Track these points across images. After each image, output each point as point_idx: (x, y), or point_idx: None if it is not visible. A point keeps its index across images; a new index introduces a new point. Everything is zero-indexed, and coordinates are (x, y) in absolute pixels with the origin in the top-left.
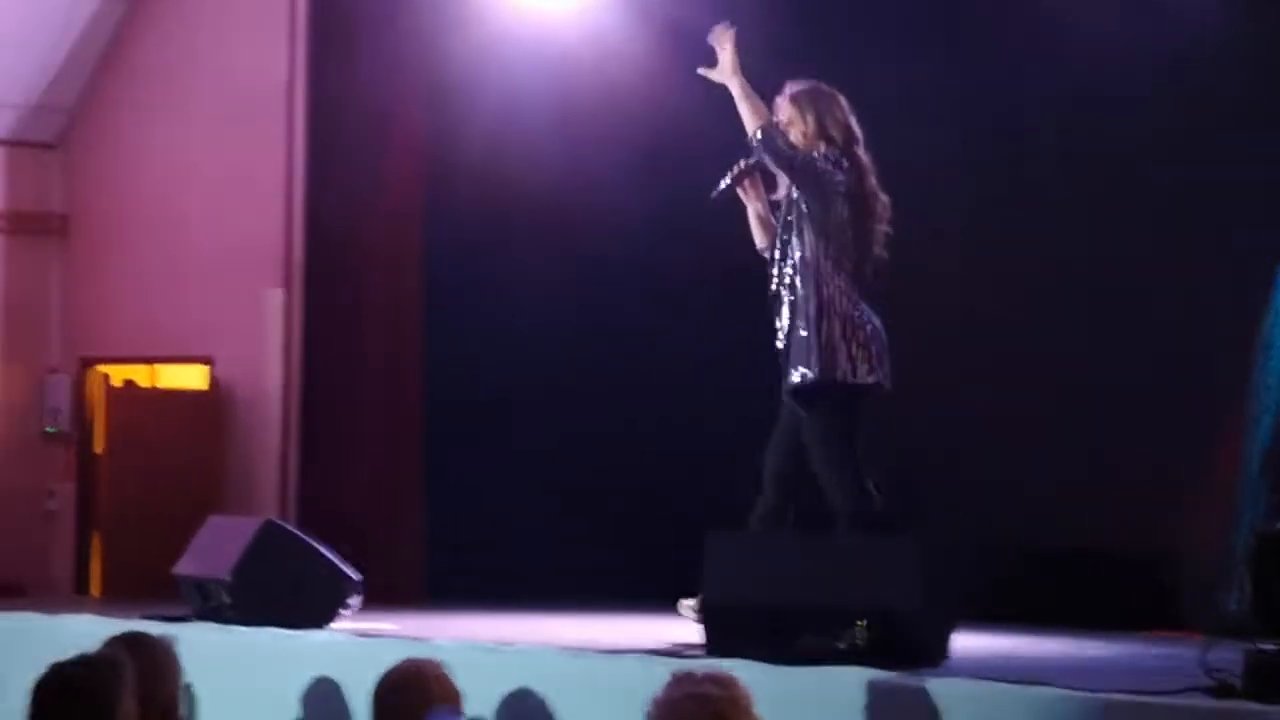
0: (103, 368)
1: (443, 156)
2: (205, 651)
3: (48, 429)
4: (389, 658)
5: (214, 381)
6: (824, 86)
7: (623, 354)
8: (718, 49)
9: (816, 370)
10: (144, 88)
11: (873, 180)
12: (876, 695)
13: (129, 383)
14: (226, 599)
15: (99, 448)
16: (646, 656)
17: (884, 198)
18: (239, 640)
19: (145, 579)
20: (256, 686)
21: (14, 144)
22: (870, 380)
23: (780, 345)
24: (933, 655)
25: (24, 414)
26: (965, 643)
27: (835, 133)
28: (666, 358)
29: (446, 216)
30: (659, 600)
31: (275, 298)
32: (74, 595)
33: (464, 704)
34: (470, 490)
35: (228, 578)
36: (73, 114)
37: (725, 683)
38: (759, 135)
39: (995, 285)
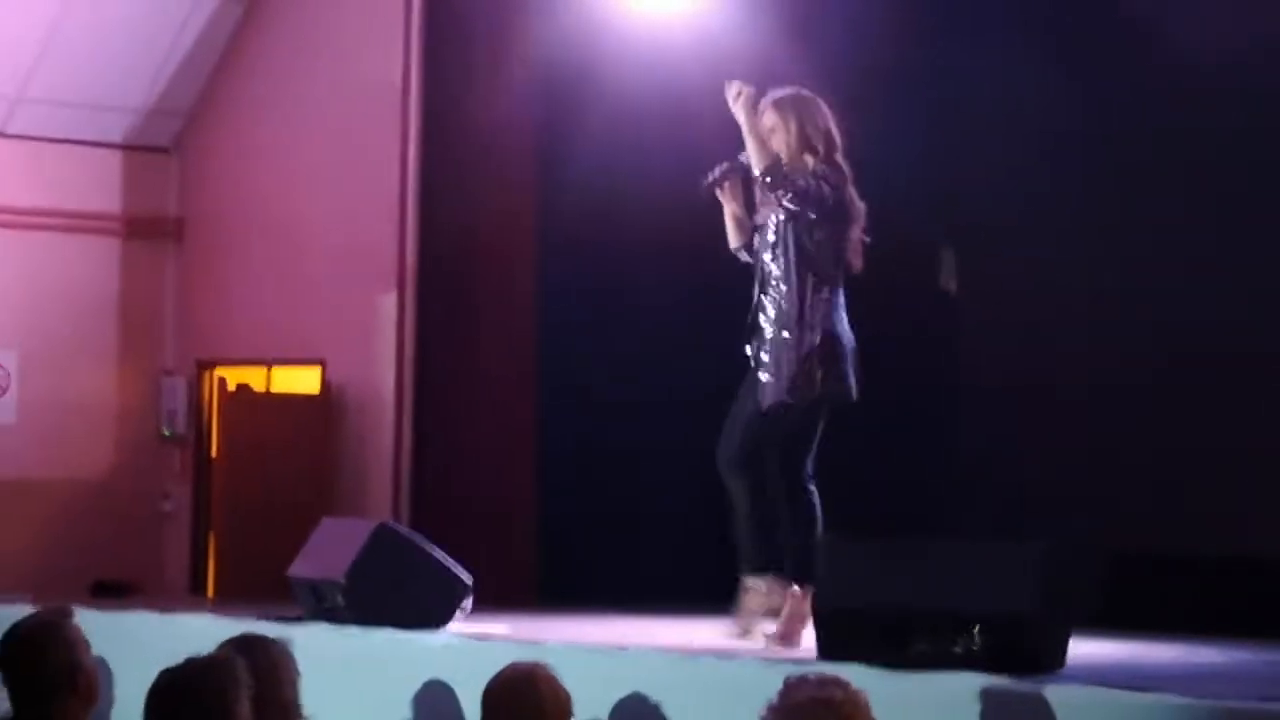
0: (218, 371)
1: (555, 158)
2: (319, 653)
3: (163, 431)
4: (501, 660)
5: (327, 384)
6: (806, 92)
7: (738, 353)
8: (732, 105)
9: (799, 383)
10: (259, 91)
11: (851, 189)
12: (992, 701)
13: (243, 386)
14: (340, 600)
15: (214, 450)
16: (759, 660)
17: (860, 205)
18: (352, 642)
19: (259, 580)
20: (369, 688)
21: (130, 148)
22: (838, 391)
23: (758, 351)
24: (1050, 661)
25: (140, 417)
26: (1082, 649)
27: (816, 140)
28: None
29: (559, 217)
30: None
31: (388, 300)
32: (189, 596)
33: (574, 706)
34: (583, 492)
35: (341, 579)
36: (188, 118)
37: (844, 687)
38: (767, 177)
39: (1126, 288)
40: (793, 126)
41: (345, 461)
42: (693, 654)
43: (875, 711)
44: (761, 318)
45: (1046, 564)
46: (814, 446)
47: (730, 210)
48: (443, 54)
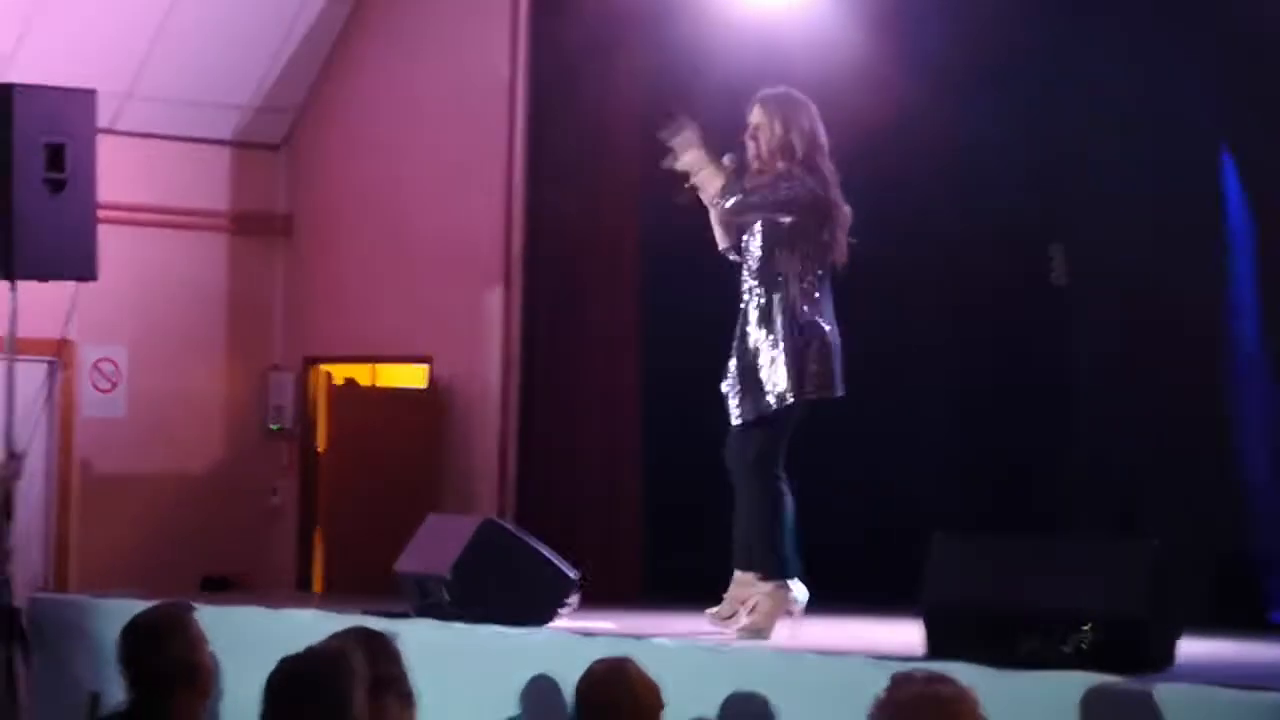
0: (325, 366)
1: (659, 151)
2: (425, 648)
3: (271, 426)
4: (608, 656)
5: (433, 380)
6: (796, 94)
7: (841, 347)
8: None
9: (790, 386)
10: (366, 88)
11: (837, 191)
12: (1101, 700)
13: (350, 381)
14: (446, 596)
15: (321, 445)
16: (864, 658)
17: (846, 208)
18: (458, 637)
19: (365, 576)
20: (475, 683)
21: (239, 145)
22: (826, 395)
23: (741, 358)
24: (1159, 660)
25: (248, 411)
26: (1192, 648)
27: (798, 141)
28: (880, 350)
29: (664, 210)
30: (879, 602)
31: (494, 297)
32: (296, 591)
33: (679, 703)
34: (689, 487)
35: (447, 575)
36: (296, 115)
37: (952, 683)
38: (727, 203)
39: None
40: (777, 128)
41: (451, 457)
42: (796, 651)
43: (983, 709)
44: (753, 317)
45: (1156, 563)
46: (786, 444)
47: (714, 213)
48: (549, 49)
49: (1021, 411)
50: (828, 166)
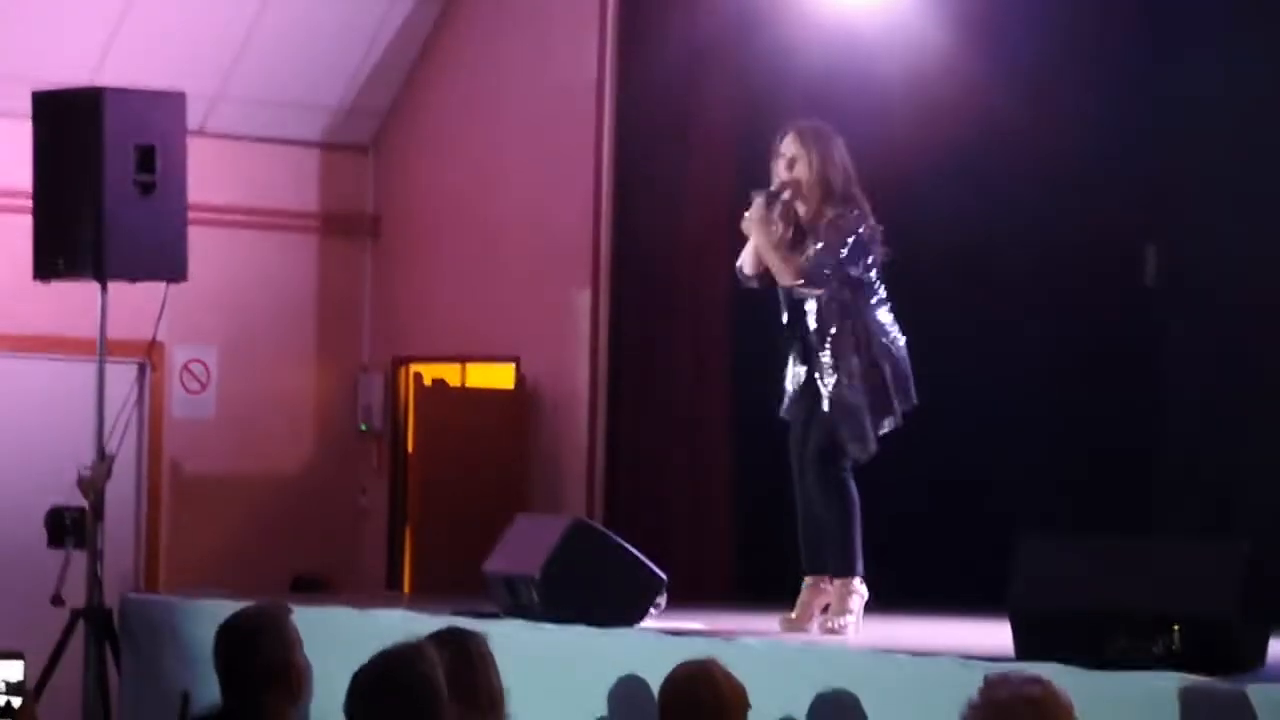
0: (414, 367)
1: (748, 153)
2: (515, 649)
3: (360, 427)
4: (697, 656)
5: (521, 380)
6: (827, 127)
7: (934, 342)
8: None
9: (894, 414)
10: (455, 90)
11: (868, 211)
12: (1193, 701)
13: (439, 382)
14: (535, 597)
15: (410, 446)
16: (956, 659)
17: (877, 227)
18: (548, 638)
19: (454, 576)
20: (565, 684)
21: (328, 147)
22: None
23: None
24: (1251, 660)
25: (338, 412)
26: None
27: (834, 175)
28: (970, 350)
29: None
30: (966, 603)
31: (583, 297)
32: (386, 591)
33: (769, 703)
34: (779, 487)
35: (537, 575)
36: (385, 117)
37: (1046, 685)
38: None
39: None
40: (815, 158)
41: (539, 457)
42: (887, 652)
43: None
44: (812, 338)
45: (1247, 563)
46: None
47: (756, 243)
48: (638, 51)
49: (1112, 412)
50: (861, 195)
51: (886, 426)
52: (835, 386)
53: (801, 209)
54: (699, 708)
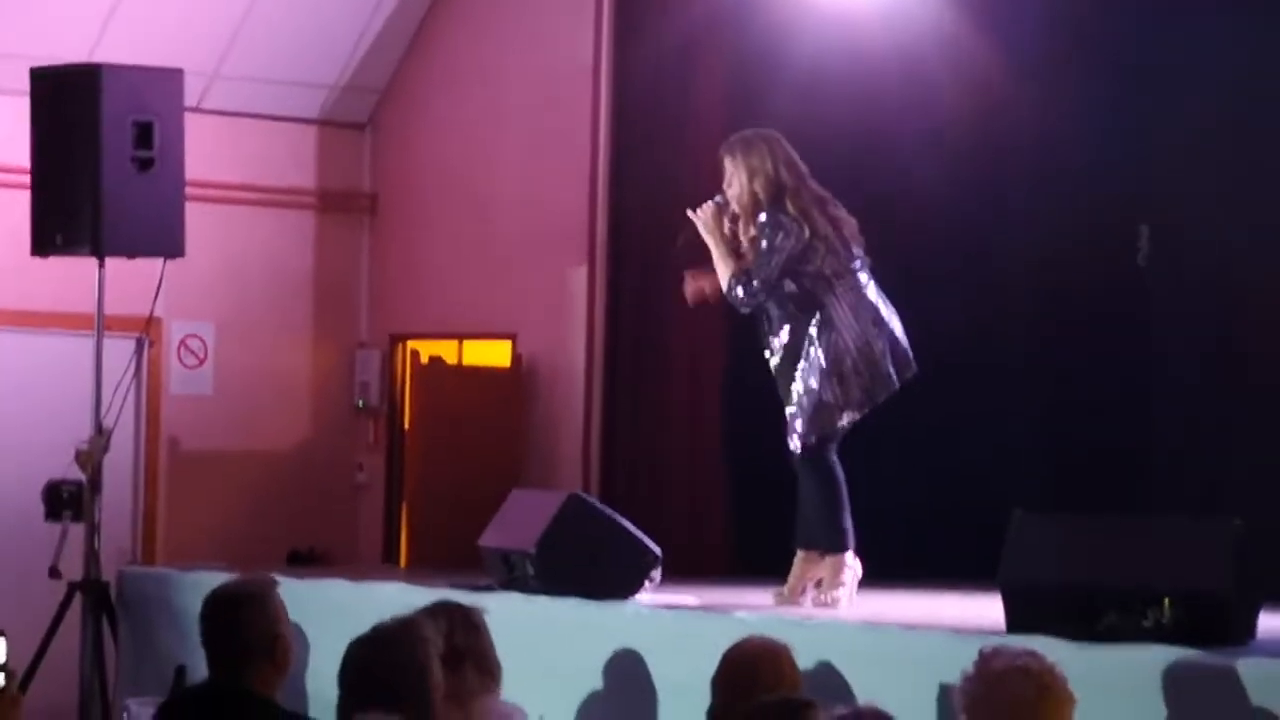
0: (411, 344)
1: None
2: (509, 622)
3: (357, 403)
4: (691, 630)
5: (518, 357)
6: (760, 132)
7: (930, 318)
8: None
9: (835, 414)
10: (452, 68)
11: (832, 208)
12: (1182, 674)
13: (436, 358)
14: (530, 570)
15: (406, 422)
16: (946, 632)
17: (850, 218)
18: (543, 611)
19: (450, 551)
20: (559, 657)
21: (325, 124)
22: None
23: (802, 391)
24: (1240, 634)
25: (335, 388)
26: (1273, 623)
27: (761, 186)
28: (963, 331)
29: None
30: (958, 578)
31: (579, 275)
32: (382, 565)
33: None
34: (775, 463)
35: (532, 550)
36: (383, 94)
37: (1040, 658)
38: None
39: None
40: (741, 176)
41: (536, 433)
42: (879, 625)
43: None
44: (776, 339)
45: (1238, 538)
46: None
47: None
48: (634, 33)
49: (1106, 391)
50: (814, 187)
51: (847, 420)
52: (801, 379)
53: (741, 225)
54: (759, 687)
